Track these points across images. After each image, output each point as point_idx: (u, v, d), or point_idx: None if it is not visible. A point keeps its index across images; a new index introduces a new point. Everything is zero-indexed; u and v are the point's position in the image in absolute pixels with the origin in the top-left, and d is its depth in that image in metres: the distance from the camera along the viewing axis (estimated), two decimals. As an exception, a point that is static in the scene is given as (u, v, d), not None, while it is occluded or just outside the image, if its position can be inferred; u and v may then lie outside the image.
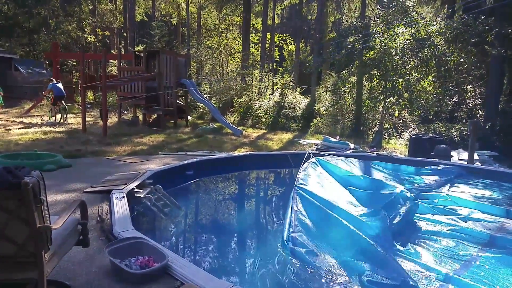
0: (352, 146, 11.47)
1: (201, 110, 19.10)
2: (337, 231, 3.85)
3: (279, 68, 28.59)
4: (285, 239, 3.76)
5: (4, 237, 2.06)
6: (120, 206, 4.24)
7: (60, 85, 14.38)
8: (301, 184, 4.82)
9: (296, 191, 4.63)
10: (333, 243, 3.74)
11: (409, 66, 13.57)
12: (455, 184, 7.13)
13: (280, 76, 24.80)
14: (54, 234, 2.23)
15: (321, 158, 6.68)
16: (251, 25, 26.79)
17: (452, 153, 10.35)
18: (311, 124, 17.29)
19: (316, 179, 5.50)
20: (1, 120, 13.40)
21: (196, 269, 2.89)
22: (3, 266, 2.15)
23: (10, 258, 2.13)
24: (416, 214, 4.95)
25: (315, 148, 11.44)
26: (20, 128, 11.64)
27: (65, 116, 14.07)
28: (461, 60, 13.58)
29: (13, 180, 1.94)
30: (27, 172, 2.05)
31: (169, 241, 3.83)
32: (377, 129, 14.95)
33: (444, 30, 13.26)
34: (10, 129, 11.24)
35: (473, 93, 16.30)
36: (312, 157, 6.56)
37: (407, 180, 7.08)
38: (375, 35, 13.72)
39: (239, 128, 14.89)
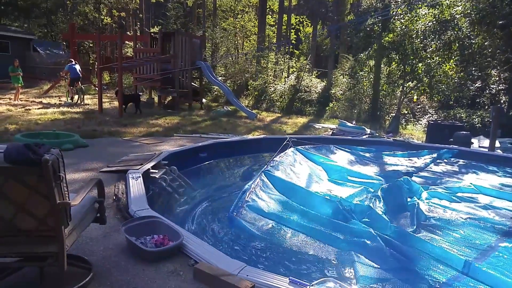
0: (368, 131, 11.34)
1: (216, 92, 19.07)
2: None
3: (295, 51, 28.26)
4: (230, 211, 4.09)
5: (26, 211, 2.13)
6: (136, 185, 4.30)
7: (77, 66, 14.51)
8: (268, 170, 5.18)
9: (261, 174, 4.98)
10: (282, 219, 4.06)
11: (431, 49, 13.20)
12: (473, 172, 7.03)
13: (296, 59, 24.52)
14: (73, 210, 2.29)
15: (299, 147, 6.93)
16: (267, 7, 26.41)
17: (473, 140, 10.12)
18: (327, 108, 17.11)
19: (289, 165, 5.84)
20: (21, 100, 13.64)
21: (210, 248, 2.94)
22: (25, 240, 2.22)
23: (31, 232, 2.20)
24: (434, 201, 4.89)
25: (330, 133, 11.36)
26: (39, 108, 11.84)
27: (82, 97, 14.24)
28: (485, 43, 13.15)
29: (34, 157, 1.99)
30: (47, 149, 2.09)
31: (184, 220, 3.88)
32: (394, 114, 14.73)
33: (469, 11, 12.80)
34: (30, 109, 11.45)
35: (497, 78, 15.76)
36: (291, 147, 6.76)
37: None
38: (396, 17, 13.35)
39: (253, 111, 14.85)
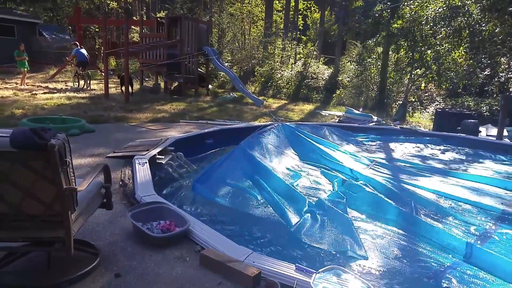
0: (375, 118, 11.26)
1: (222, 79, 18.96)
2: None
3: (303, 37, 27.95)
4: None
5: (32, 196, 2.12)
6: (143, 171, 4.30)
7: (83, 51, 14.46)
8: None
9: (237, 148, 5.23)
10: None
11: (440, 36, 12.98)
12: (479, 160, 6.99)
13: (304, 45, 24.25)
14: (79, 196, 2.29)
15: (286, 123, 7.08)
16: (275, -8, 26.03)
17: (481, 128, 10.03)
18: (334, 95, 16.98)
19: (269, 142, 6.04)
20: (27, 85, 13.65)
21: (217, 235, 2.93)
22: (32, 224, 2.23)
23: (38, 217, 2.20)
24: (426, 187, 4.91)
25: (337, 120, 11.28)
26: (45, 93, 11.85)
27: (88, 82, 14.22)
28: (496, 30, 12.87)
29: (40, 142, 1.97)
30: (53, 134, 2.08)
31: (190, 206, 3.88)
32: (401, 102, 14.59)
33: (480, -3, 12.54)
34: (36, 94, 11.46)
35: (506, 66, 15.50)
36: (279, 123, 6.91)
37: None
38: (405, 3, 13.12)
39: (259, 98, 14.76)
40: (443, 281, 2.75)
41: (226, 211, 3.97)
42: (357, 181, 4.88)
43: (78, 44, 15.01)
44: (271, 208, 3.95)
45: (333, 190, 4.68)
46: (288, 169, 5.49)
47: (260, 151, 5.53)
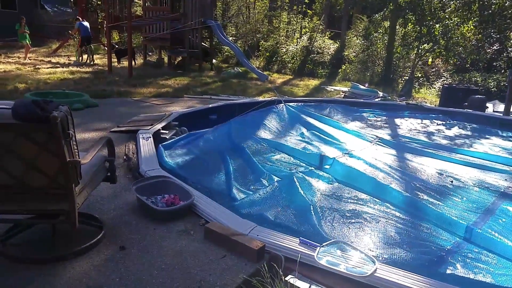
0: (380, 94, 11.13)
1: (226, 53, 18.71)
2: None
3: (308, 11, 27.30)
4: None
5: (36, 169, 2.12)
6: (147, 145, 4.30)
7: (86, 24, 14.24)
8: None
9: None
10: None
11: (449, 9, 12.64)
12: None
13: (309, 19, 23.74)
14: (83, 169, 2.28)
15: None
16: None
17: (488, 104, 9.89)
18: (340, 70, 16.74)
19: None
20: (30, 59, 13.56)
21: (221, 208, 2.94)
22: (37, 197, 2.24)
23: (42, 190, 2.21)
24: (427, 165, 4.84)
25: (342, 96, 11.17)
26: (48, 68, 11.78)
27: (91, 56, 14.10)
28: (506, 4, 12.51)
29: (42, 114, 1.95)
30: (56, 106, 2.05)
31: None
32: (407, 77, 14.38)
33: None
34: (39, 68, 11.40)
35: (515, 41, 15.18)
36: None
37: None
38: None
39: (264, 73, 14.59)
40: (443, 265, 2.71)
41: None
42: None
43: (80, 17, 14.78)
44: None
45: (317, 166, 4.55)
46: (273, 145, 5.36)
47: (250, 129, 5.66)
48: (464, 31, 12.52)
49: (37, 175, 2.14)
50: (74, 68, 11.98)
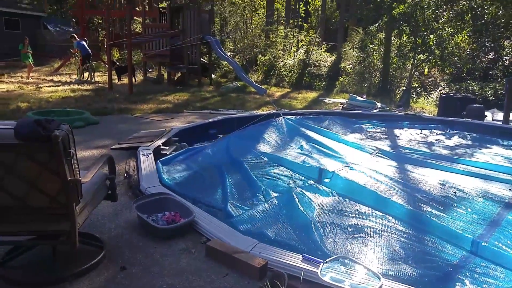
0: (379, 105, 11.17)
1: (225, 68, 18.85)
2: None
3: (305, 24, 27.60)
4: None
5: (37, 189, 2.12)
6: (147, 162, 4.29)
7: (83, 42, 14.36)
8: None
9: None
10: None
11: (443, 20, 12.79)
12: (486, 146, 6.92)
13: (305, 33, 23.99)
14: (84, 187, 2.27)
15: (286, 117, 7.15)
16: (276, -21, 25.69)
17: (486, 113, 9.90)
18: (337, 82, 16.84)
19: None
20: (32, 78, 13.66)
21: (222, 225, 2.92)
22: (38, 217, 2.23)
23: (43, 210, 2.20)
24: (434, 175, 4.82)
25: (340, 107, 11.21)
26: (50, 86, 11.86)
27: (92, 74, 14.20)
28: (499, 13, 12.67)
29: (44, 133, 1.96)
30: (57, 125, 2.06)
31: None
32: (404, 88, 14.45)
33: (482, -21, 12.35)
34: (41, 87, 11.47)
35: (510, 49, 15.30)
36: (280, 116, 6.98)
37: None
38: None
39: (262, 86, 14.67)
40: (451, 281, 2.65)
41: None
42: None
43: (76, 36, 14.91)
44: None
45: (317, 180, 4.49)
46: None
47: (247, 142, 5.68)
48: (459, 41, 12.63)
49: (38, 195, 2.13)
50: (76, 86, 12.06)
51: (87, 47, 14.23)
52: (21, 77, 13.90)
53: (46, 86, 11.73)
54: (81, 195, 2.22)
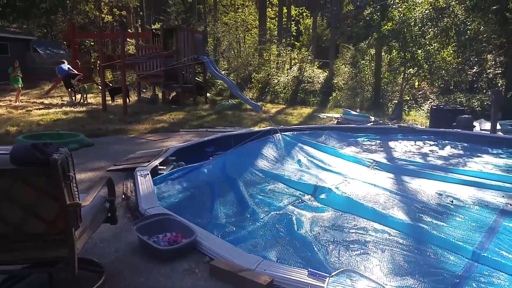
0: (372, 118, 11.26)
1: (220, 87, 19.01)
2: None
3: (296, 43, 28.02)
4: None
5: (34, 214, 2.05)
6: (145, 183, 4.24)
7: (64, 65, 14.24)
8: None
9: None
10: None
11: (429, 36, 13.20)
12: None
13: (298, 51, 24.32)
14: (83, 211, 2.21)
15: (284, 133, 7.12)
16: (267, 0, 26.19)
17: (474, 123, 10.10)
18: (330, 98, 17.02)
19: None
20: (22, 102, 13.58)
21: (225, 244, 2.88)
22: (34, 244, 2.14)
23: (40, 236, 2.12)
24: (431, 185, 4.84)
25: (335, 122, 11.27)
26: (40, 109, 11.78)
27: (84, 96, 14.18)
28: (481, 29, 13.16)
29: (42, 157, 1.92)
30: (55, 148, 2.02)
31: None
32: (396, 101, 14.64)
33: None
34: (31, 110, 11.38)
35: (493, 62, 15.81)
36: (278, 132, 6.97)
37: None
38: (393, 6, 13.34)
39: (258, 103, 14.74)
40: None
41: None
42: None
43: (65, 61, 14.90)
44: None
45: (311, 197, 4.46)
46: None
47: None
48: (445, 56, 13.04)
49: (35, 221, 2.06)
50: (68, 108, 12.01)
51: (66, 68, 14.14)
52: (10, 101, 13.79)
53: (36, 109, 11.63)
54: (80, 219, 2.16)
